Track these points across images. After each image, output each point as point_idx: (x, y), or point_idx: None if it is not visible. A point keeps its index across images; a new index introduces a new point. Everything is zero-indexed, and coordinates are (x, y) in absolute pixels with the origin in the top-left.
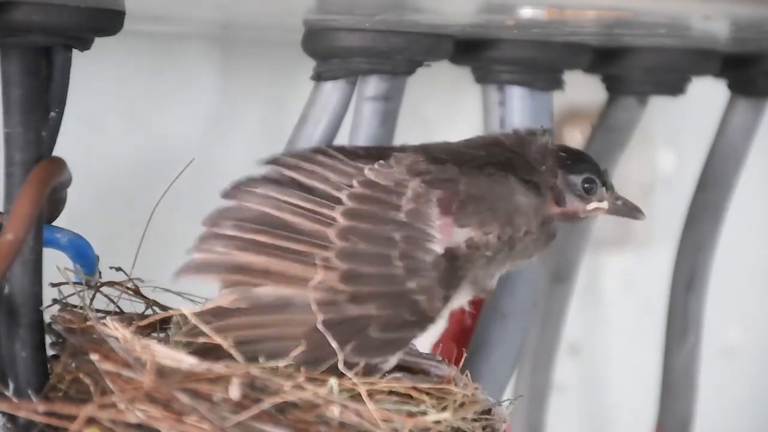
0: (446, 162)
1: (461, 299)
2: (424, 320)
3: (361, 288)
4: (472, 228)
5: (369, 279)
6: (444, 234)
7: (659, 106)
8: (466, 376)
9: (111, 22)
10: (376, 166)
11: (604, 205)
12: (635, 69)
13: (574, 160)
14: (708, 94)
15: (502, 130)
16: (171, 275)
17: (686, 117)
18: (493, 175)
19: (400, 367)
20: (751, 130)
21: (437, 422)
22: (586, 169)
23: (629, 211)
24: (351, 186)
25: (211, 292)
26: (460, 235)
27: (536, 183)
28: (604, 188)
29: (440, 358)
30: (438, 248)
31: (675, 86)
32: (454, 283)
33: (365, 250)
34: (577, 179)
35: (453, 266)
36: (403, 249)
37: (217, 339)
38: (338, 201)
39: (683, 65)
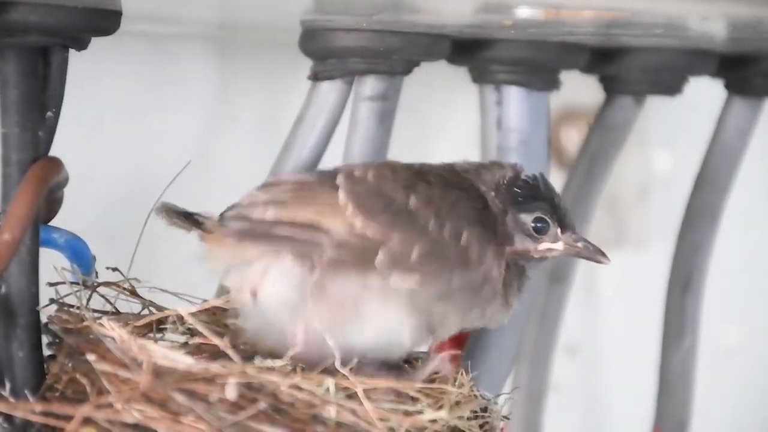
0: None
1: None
2: None
3: None
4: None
5: None
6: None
7: (656, 105)
8: (462, 374)
9: (108, 22)
10: None
11: (559, 246)
12: (632, 69)
13: (526, 197)
14: (705, 94)
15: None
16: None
17: (683, 117)
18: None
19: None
20: (747, 130)
21: (433, 421)
22: (538, 207)
23: (591, 253)
24: None
25: (207, 292)
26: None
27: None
28: (560, 229)
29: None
30: None
31: (672, 86)
32: None
33: None
34: (527, 218)
35: None
36: None
37: (214, 339)
38: None
39: (680, 65)
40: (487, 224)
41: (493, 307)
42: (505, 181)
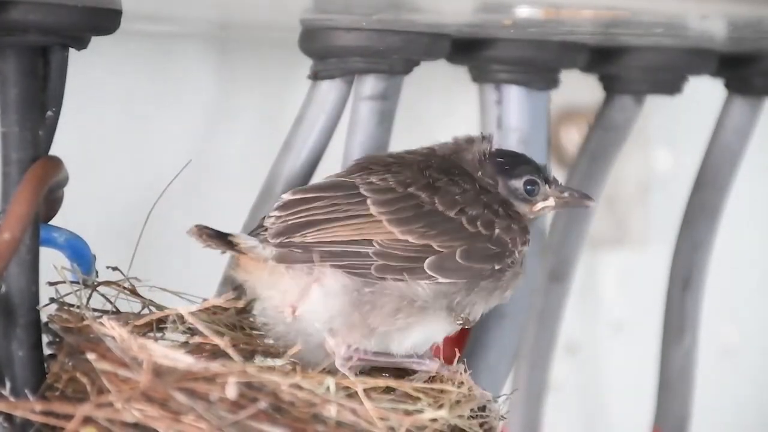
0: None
1: None
2: None
3: None
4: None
5: None
6: None
7: (656, 105)
8: (462, 372)
9: (108, 21)
10: None
11: (551, 202)
12: (632, 68)
13: (511, 164)
14: (705, 93)
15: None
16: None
17: (683, 116)
18: None
19: (383, 369)
20: (747, 129)
21: (434, 420)
22: (525, 171)
23: (577, 200)
24: None
25: (207, 291)
26: None
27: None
28: (547, 185)
29: (421, 354)
30: None
31: (672, 85)
32: None
33: None
34: (518, 183)
35: None
36: None
37: (214, 339)
38: None
39: (680, 64)
40: (501, 205)
41: (513, 287)
42: (487, 154)
